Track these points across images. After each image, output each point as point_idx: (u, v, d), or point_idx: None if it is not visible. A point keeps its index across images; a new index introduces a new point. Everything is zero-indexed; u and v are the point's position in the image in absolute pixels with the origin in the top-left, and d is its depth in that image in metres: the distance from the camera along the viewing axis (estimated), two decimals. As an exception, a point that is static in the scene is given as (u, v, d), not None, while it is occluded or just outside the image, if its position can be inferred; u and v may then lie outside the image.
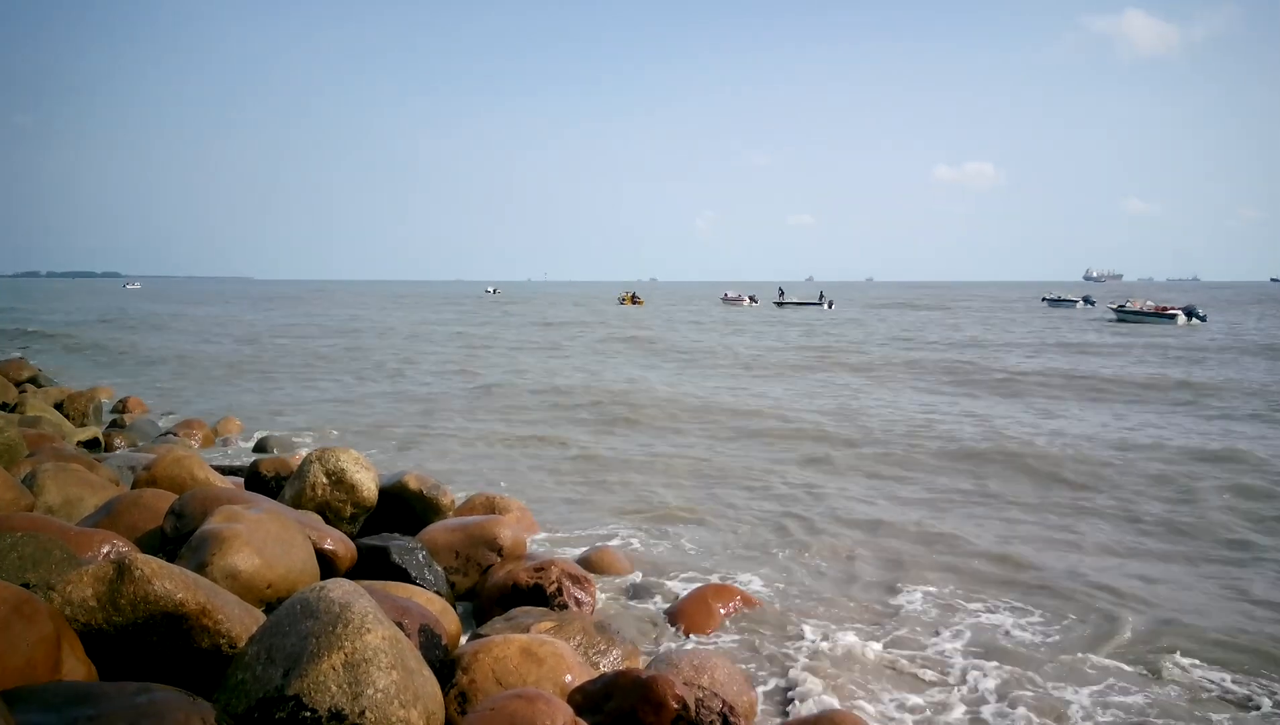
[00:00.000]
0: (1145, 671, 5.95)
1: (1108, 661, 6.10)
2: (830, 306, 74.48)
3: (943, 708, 5.42)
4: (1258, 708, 5.45)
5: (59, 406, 14.91)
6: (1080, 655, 6.19)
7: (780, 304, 77.44)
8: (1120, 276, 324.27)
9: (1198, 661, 6.06)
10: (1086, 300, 74.36)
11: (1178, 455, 13.02)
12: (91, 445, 12.10)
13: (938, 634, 6.58)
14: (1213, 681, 5.80)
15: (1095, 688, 5.69)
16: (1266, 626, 6.70)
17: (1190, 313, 48.48)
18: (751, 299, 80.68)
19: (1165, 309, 50.71)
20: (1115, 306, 55.71)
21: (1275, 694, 5.63)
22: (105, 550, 5.40)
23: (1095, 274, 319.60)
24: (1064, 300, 76.41)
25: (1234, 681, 5.80)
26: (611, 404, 18.70)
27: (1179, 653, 6.16)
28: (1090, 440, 14.36)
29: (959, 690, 5.66)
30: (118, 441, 12.81)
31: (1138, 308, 52.51)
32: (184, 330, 45.31)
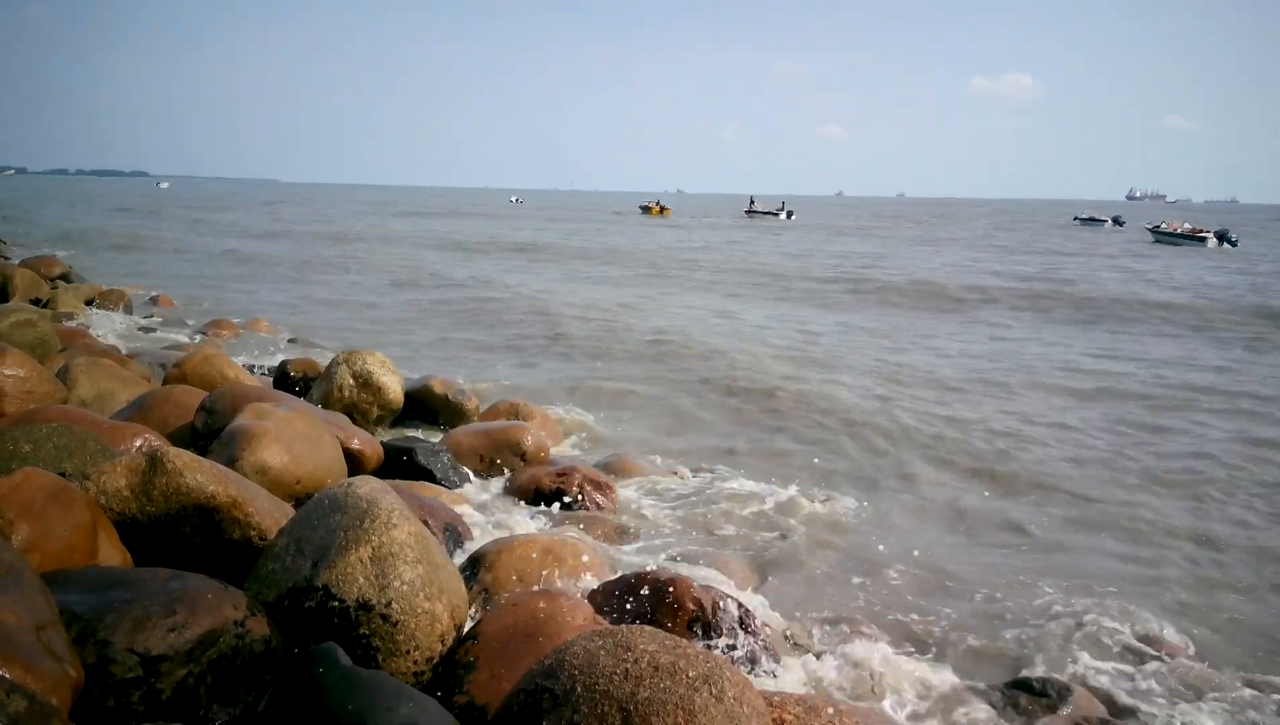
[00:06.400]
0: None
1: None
2: (790, 216, 77.64)
3: (947, 616, 5.51)
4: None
5: (90, 303, 15.10)
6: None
7: (750, 213, 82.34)
8: (1164, 197, 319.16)
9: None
10: (1116, 221, 76.09)
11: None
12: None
13: (953, 550, 6.65)
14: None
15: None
16: None
17: (1222, 237, 49.16)
18: (788, 213, 79.95)
19: (1198, 231, 51.27)
20: (1151, 227, 56.41)
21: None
22: (138, 443, 5.50)
23: (1138, 194, 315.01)
24: (1094, 220, 78.30)
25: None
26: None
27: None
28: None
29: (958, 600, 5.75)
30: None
31: (1173, 230, 53.23)
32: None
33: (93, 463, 4.49)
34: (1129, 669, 4.81)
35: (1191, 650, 5.08)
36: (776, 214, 79.28)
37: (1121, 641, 5.13)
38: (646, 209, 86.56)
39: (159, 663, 3.00)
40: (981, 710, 4.26)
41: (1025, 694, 4.31)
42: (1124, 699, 4.51)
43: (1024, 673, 4.68)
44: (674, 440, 9.32)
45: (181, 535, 4.10)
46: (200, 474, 4.10)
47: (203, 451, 5.45)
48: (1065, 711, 4.13)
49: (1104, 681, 4.68)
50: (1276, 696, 4.55)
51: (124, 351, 9.90)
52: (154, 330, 14.06)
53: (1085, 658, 4.92)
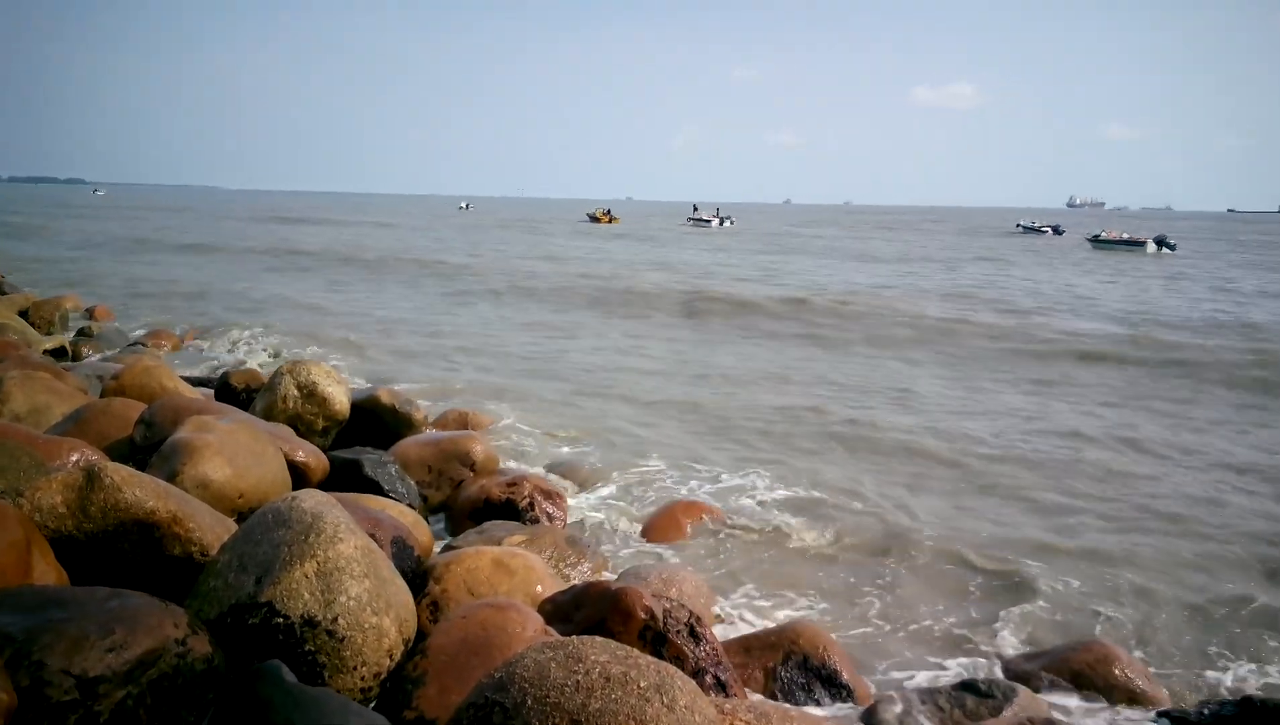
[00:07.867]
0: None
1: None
2: (722, 224, 78.93)
3: (906, 616, 5.58)
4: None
5: (24, 314, 14.69)
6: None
7: (693, 221, 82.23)
8: (1103, 204, 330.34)
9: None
10: (1055, 229, 79.17)
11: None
12: (58, 354, 11.95)
13: (892, 550, 6.73)
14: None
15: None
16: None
17: (1160, 242, 51.24)
18: (721, 221, 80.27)
19: (1136, 238, 52.97)
20: (1091, 236, 58.23)
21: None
22: (74, 458, 5.36)
23: (1079, 201, 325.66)
24: (1035, 228, 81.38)
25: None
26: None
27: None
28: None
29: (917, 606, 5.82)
30: (85, 350, 12.67)
31: (1112, 237, 55.15)
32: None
33: (27, 478, 4.36)
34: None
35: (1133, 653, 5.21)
36: (709, 221, 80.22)
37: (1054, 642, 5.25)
38: (594, 217, 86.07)
39: (97, 684, 2.92)
40: (929, 712, 4.30)
41: (971, 695, 4.37)
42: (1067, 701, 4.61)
43: (969, 674, 4.75)
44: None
45: (120, 552, 4.00)
46: (139, 489, 4.01)
47: (142, 465, 5.33)
48: (1010, 711, 4.20)
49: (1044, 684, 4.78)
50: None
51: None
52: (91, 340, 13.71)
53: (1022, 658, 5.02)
